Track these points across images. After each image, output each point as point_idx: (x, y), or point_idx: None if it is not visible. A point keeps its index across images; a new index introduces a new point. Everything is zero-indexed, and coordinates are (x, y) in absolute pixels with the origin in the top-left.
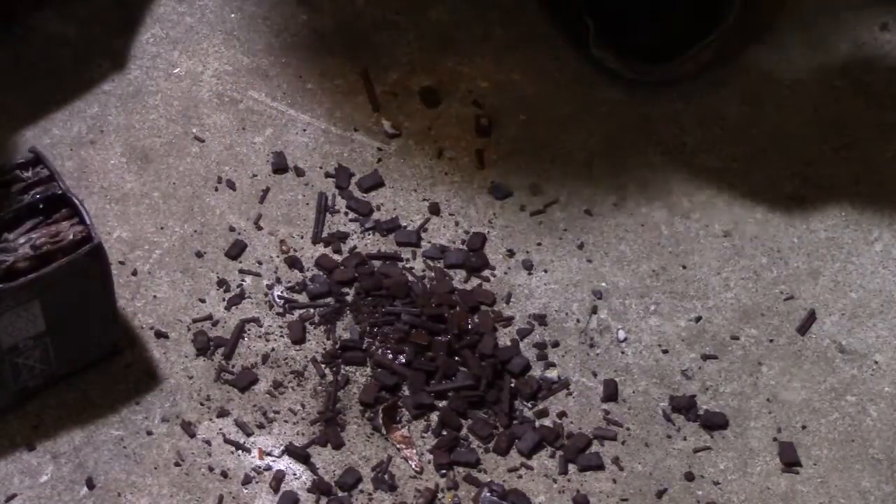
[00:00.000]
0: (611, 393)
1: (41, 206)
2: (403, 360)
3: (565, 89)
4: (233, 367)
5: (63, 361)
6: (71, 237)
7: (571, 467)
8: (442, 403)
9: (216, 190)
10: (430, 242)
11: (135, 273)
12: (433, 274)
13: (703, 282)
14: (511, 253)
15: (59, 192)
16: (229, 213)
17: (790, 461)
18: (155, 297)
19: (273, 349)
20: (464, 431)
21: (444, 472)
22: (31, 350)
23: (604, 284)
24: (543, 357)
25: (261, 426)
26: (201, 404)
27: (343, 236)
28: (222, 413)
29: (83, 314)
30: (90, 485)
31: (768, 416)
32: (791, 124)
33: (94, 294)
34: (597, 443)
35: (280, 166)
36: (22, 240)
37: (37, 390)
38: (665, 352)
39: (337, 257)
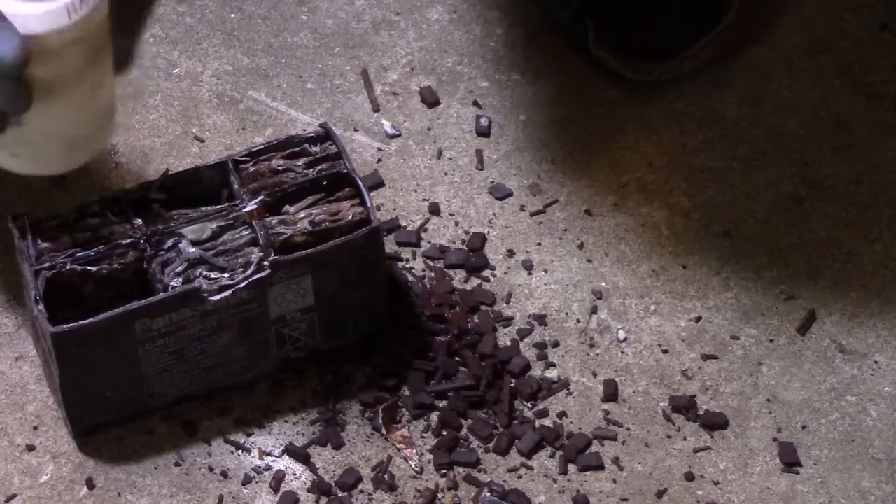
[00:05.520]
0: (611, 393)
1: (325, 183)
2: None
3: (565, 89)
4: None
5: (326, 337)
6: (350, 217)
7: (571, 467)
8: (442, 403)
9: None
10: (430, 242)
11: None
12: (433, 274)
13: (703, 282)
14: (511, 253)
15: (345, 170)
16: None
17: (790, 461)
18: None
19: None
20: (464, 431)
21: (444, 472)
22: (298, 322)
23: (604, 284)
24: (543, 357)
25: (261, 426)
26: (201, 404)
27: None
28: (222, 413)
29: (352, 294)
30: (90, 485)
31: (768, 416)
32: (791, 124)
33: (365, 276)
34: (597, 443)
35: None
36: (302, 214)
37: (297, 362)
38: (665, 352)
39: None
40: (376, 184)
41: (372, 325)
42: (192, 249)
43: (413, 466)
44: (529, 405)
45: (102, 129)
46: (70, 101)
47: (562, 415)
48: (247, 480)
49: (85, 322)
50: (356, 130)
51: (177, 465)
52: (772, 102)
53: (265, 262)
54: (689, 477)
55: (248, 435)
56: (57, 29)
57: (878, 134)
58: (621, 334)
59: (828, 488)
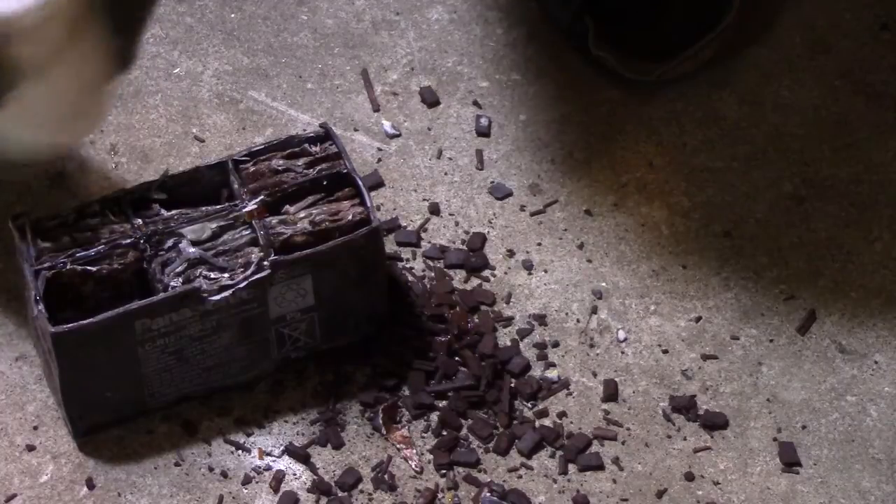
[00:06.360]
0: (611, 393)
1: (325, 183)
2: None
3: (565, 89)
4: None
5: (327, 337)
6: (350, 217)
7: (571, 467)
8: (442, 403)
9: None
10: (430, 242)
11: None
12: (433, 274)
13: (703, 282)
14: (511, 253)
15: (345, 170)
16: None
17: (790, 461)
18: None
19: None
20: (464, 431)
21: (444, 472)
22: (298, 322)
23: (604, 284)
24: (543, 357)
25: (261, 426)
26: (201, 404)
27: None
28: (222, 413)
29: (352, 294)
30: (90, 485)
31: (768, 416)
32: (791, 124)
33: (365, 275)
34: (597, 443)
35: None
36: (302, 214)
37: (297, 362)
38: (665, 352)
39: None
40: (376, 184)
41: (372, 325)
42: (192, 249)
43: (413, 466)
44: (529, 405)
45: (93, 108)
46: (55, 80)
47: (562, 415)
48: (247, 480)
49: (85, 322)
50: (356, 130)
51: (177, 465)
52: (772, 102)
53: (265, 262)
54: (689, 477)
55: (248, 435)
56: (31, 7)
57: (878, 134)
58: (621, 334)
59: (828, 488)
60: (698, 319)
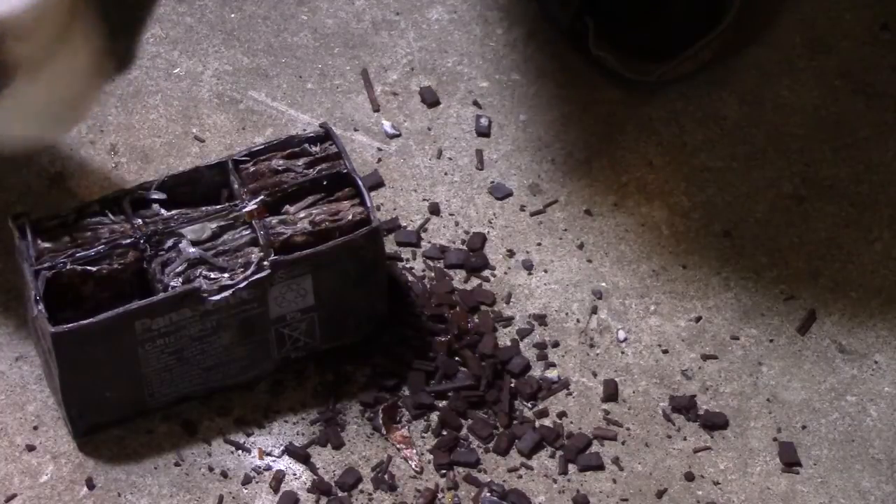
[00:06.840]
0: (611, 393)
1: (325, 183)
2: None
3: (565, 89)
4: None
5: (327, 337)
6: (350, 217)
7: (571, 467)
8: (442, 403)
9: None
10: (430, 242)
11: None
12: (433, 274)
13: (703, 282)
14: (511, 253)
15: (345, 170)
16: None
17: (790, 461)
18: None
19: None
20: (464, 431)
21: (444, 472)
22: (298, 322)
23: (604, 284)
24: (543, 357)
25: (261, 426)
26: (201, 404)
27: None
28: (222, 413)
29: (352, 294)
30: (90, 485)
31: (768, 416)
32: (791, 124)
33: (365, 276)
34: (597, 443)
35: None
36: (302, 214)
37: (297, 362)
38: (665, 352)
39: None
40: (376, 184)
41: (372, 325)
42: (192, 249)
43: (413, 466)
44: (529, 405)
45: (81, 101)
46: (47, 76)
47: (562, 415)
48: (247, 480)
49: (85, 322)
50: (356, 130)
51: (177, 465)
52: (772, 102)
53: (265, 262)
54: (689, 477)
55: (248, 435)
56: (26, 7)
57: (878, 134)
58: (621, 334)
59: (828, 488)
60: (698, 319)
